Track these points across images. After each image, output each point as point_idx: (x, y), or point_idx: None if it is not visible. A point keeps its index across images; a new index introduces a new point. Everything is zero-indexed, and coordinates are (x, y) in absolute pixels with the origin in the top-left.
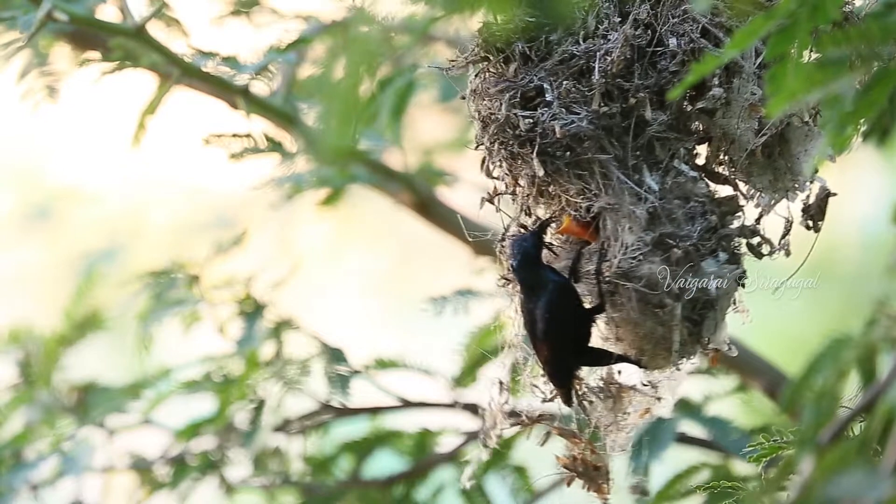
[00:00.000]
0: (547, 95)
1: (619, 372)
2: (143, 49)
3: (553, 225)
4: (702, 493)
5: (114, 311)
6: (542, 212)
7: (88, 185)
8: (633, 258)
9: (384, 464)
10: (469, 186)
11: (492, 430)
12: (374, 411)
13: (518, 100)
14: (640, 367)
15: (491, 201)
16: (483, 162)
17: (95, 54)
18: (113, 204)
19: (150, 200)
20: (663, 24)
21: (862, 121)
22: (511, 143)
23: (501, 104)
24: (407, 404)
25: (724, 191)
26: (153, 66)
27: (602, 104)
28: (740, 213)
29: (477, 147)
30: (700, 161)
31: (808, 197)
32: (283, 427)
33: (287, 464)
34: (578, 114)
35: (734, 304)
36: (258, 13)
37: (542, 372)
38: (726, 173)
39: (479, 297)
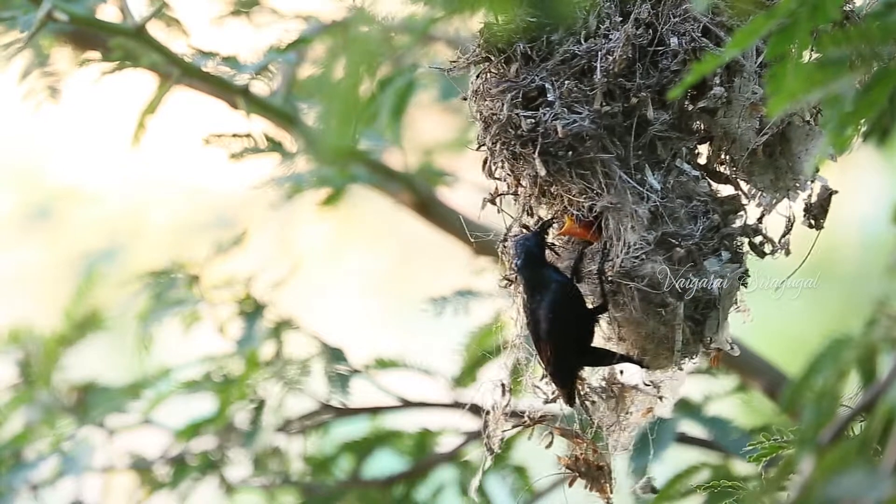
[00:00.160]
0: (549, 95)
1: (622, 372)
2: (143, 49)
3: (555, 226)
4: (702, 492)
5: (114, 311)
6: (544, 212)
7: (88, 185)
8: (636, 257)
9: (384, 464)
10: (469, 186)
11: (494, 434)
12: (374, 411)
13: (520, 100)
14: (643, 366)
15: (493, 202)
16: (485, 162)
17: (96, 54)
18: (113, 204)
19: (150, 200)
20: (664, 23)
21: (862, 121)
22: (513, 143)
23: (503, 104)
24: (407, 404)
25: (725, 190)
26: (153, 66)
27: (604, 103)
28: (742, 213)
29: (479, 148)
30: (702, 160)
31: (809, 196)
32: (284, 427)
33: (287, 464)
34: (580, 113)
35: (736, 303)
36: (258, 13)
37: (543, 372)
38: (728, 172)
39: (480, 298)
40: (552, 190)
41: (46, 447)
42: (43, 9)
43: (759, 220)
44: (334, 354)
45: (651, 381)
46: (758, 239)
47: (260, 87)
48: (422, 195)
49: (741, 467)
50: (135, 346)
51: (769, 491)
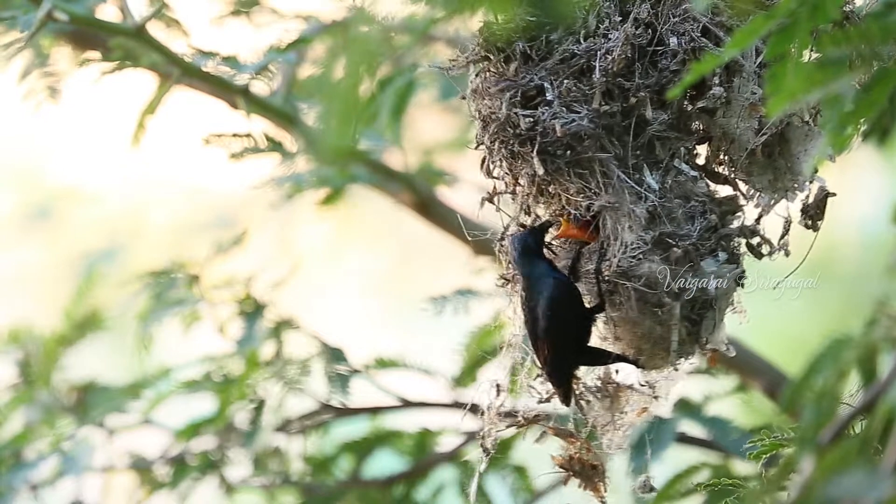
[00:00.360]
0: (547, 94)
1: (617, 371)
2: (143, 49)
3: (552, 228)
4: (703, 491)
5: (114, 311)
6: (542, 211)
7: (88, 185)
8: (633, 257)
9: (384, 464)
10: (469, 186)
11: (489, 434)
12: (374, 411)
13: (519, 99)
14: (639, 366)
15: (491, 201)
16: (483, 161)
17: (95, 54)
18: (113, 204)
19: (149, 200)
20: (664, 23)
21: (862, 121)
22: (511, 142)
23: (502, 103)
24: (407, 404)
25: (724, 191)
26: (153, 66)
27: (603, 103)
28: (740, 213)
29: (477, 146)
30: (700, 161)
31: (807, 197)
32: (284, 427)
33: (287, 464)
34: (579, 112)
35: (733, 304)
36: (258, 13)
37: (539, 372)
38: (726, 173)
39: (479, 297)
40: (550, 189)
41: (46, 447)
42: (43, 8)
43: (757, 220)
44: (334, 354)
45: (647, 382)
46: (755, 240)
47: (260, 88)
48: (422, 195)
49: (741, 467)
50: (135, 345)
51: (769, 490)
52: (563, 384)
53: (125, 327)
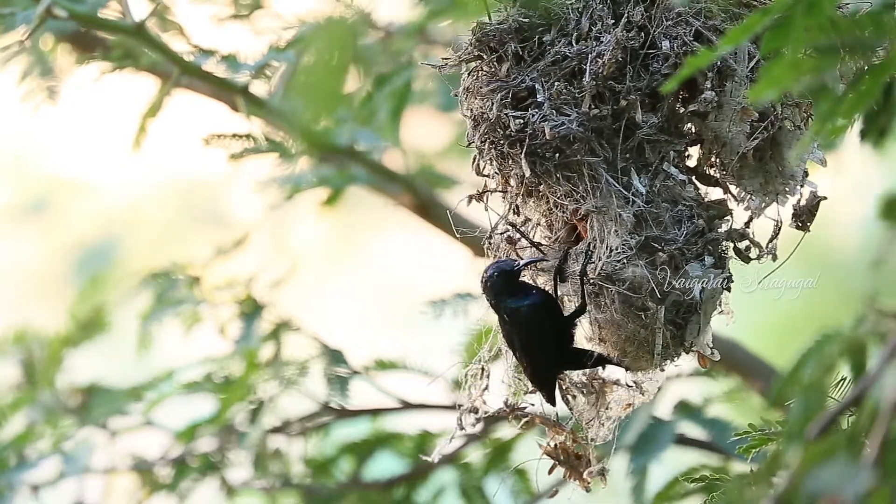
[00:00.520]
0: (538, 96)
1: (603, 367)
2: (142, 47)
3: (542, 226)
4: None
5: (115, 311)
6: (531, 211)
7: (84, 178)
8: (618, 261)
9: (384, 466)
10: (469, 188)
11: (471, 412)
12: (375, 413)
13: (509, 100)
14: (622, 367)
15: (479, 199)
16: (474, 160)
17: (96, 54)
18: (109, 196)
19: (146, 194)
20: (657, 26)
21: (856, 115)
22: (501, 142)
23: (493, 104)
24: (407, 406)
25: (713, 194)
26: (153, 65)
27: (592, 106)
28: (728, 217)
29: (468, 145)
30: (691, 163)
31: (798, 200)
32: (284, 429)
33: (288, 466)
34: (569, 115)
35: (720, 306)
36: (259, 17)
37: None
38: (717, 176)
39: (479, 300)
40: (539, 190)
41: (48, 447)
42: (42, 5)
43: (746, 224)
44: (334, 356)
45: (634, 382)
46: (744, 244)
47: (259, 88)
48: (422, 197)
49: (741, 468)
50: (136, 346)
51: (757, 483)
52: (546, 387)
53: (126, 328)
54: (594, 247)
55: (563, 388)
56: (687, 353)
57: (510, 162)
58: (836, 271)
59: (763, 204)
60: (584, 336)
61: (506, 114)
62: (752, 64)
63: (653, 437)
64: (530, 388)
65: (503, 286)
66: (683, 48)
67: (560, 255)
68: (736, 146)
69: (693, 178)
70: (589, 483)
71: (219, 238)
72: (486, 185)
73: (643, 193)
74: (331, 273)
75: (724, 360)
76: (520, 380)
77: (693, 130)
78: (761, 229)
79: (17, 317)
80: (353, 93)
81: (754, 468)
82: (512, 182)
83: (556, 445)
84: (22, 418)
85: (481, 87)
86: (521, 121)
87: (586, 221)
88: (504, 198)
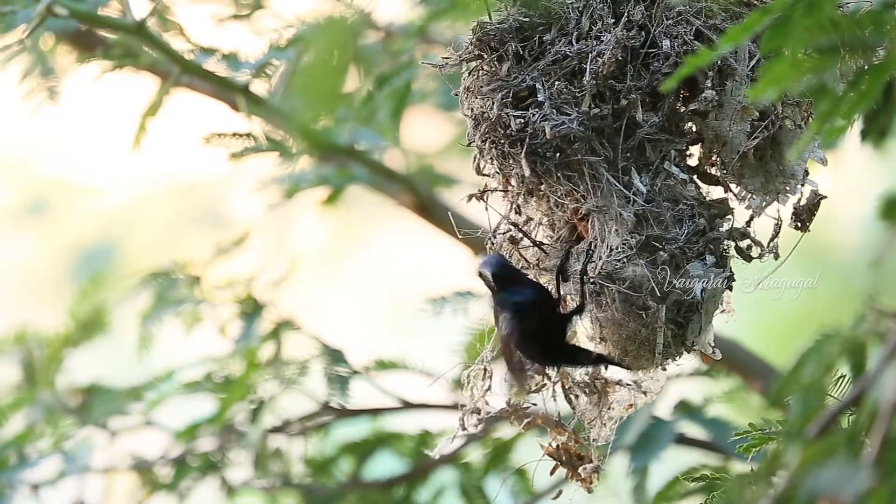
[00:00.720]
0: (539, 96)
1: (606, 367)
2: (143, 46)
3: (544, 224)
4: (690, 483)
5: (115, 311)
6: (532, 211)
7: (85, 178)
8: (618, 260)
9: (385, 465)
10: (469, 187)
11: (473, 413)
12: (375, 412)
13: (510, 99)
14: (623, 367)
15: (480, 198)
16: (475, 159)
17: (97, 53)
18: (109, 196)
19: (146, 193)
20: (657, 25)
21: (856, 115)
22: (502, 142)
23: (493, 103)
24: (407, 406)
25: (714, 193)
26: (153, 65)
27: (593, 106)
28: (730, 216)
29: (468, 145)
30: (692, 163)
31: (799, 200)
32: (284, 428)
33: (288, 465)
34: (569, 115)
35: (721, 305)
36: (259, 16)
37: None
38: (718, 175)
39: (479, 298)
40: (540, 190)
41: (48, 447)
42: (43, 3)
43: (748, 223)
44: (334, 355)
45: (633, 381)
46: (745, 243)
47: (260, 87)
48: (422, 197)
49: (741, 468)
50: (136, 346)
51: (756, 483)
52: (517, 372)
53: (126, 328)
54: (595, 246)
55: (566, 387)
56: (688, 352)
57: (511, 161)
58: (836, 271)
59: (764, 203)
60: (585, 335)
61: (506, 113)
62: (752, 63)
63: (653, 437)
64: (534, 387)
65: (500, 279)
66: (684, 47)
67: (562, 254)
68: (736, 145)
69: (694, 177)
70: (591, 484)
71: (219, 237)
72: (486, 185)
73: (644, 193)
74: (331, 272)
75: (724, 359)
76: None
77: (694, 129)
78: (763, 228)
79: (17, 317)
80: (353, 92)
81: (754, 468)
82: (513, 181)
83: (558, 446)
84: (22, 418)
85: (482, 87)
86: (522, 120)
87: (587, 221)
88: (505, 197)
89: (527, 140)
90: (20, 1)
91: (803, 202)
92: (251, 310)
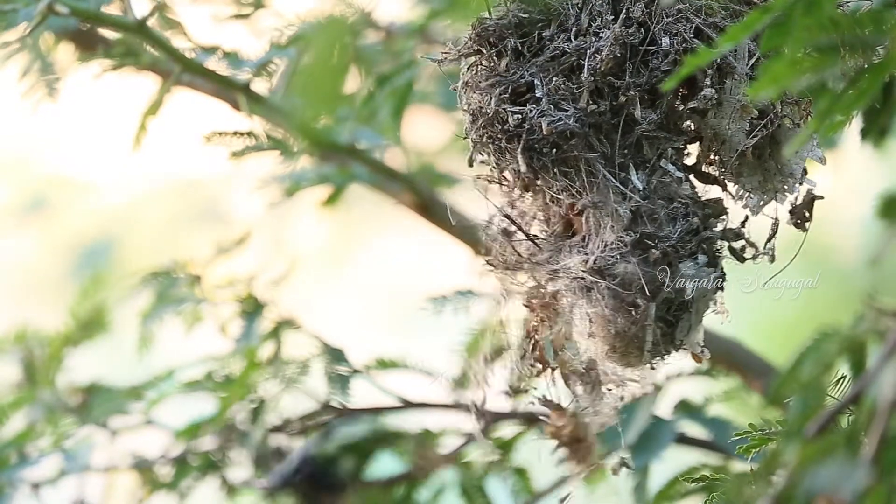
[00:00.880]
0: (537, 91)
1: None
2: (144, 44)
3: (539, 218)
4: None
5: (116, 310)
6: (527, 206)
7: (85, 176)
8: (611, 255)
9: (385, 465)
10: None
11: (480, 401)
12: (376, 412)
13: (508, 95)
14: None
15: (477, 189)
16: (470, 154)
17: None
18: (109, 194)
19: (146, 192)
20: (657, 22)
21: (854, 112)
22: (499, 137)
23: (491, 98)
24: (408, 405)
25: (710, 193)
26: (154, 63)
27: (590, 102)
28: (724, 217)
29: (465, 139)
30: (690, 161)
31: (796, 199)
32: (284, 427)
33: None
34: (566, 111)
35: (714, 305)
36: (260, 16)
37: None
38: (716, 174)
39: (480, 297)
40: (536, 185)
41: (48, 446)
42: (44, 0)
43: (742, 224)
44: (335, 355)
45: (625, 379)
46: (739, 243)
47: (261, 86)
48: (423, 196)
49: (742, 467)
50: (137, 345)
51: (755, 482)
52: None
53: (127, 327)
54: (588, 240)
55: (564, 374)
56: (677, 350)
57: (507, 157)
58: (836, 271)
59: (761, 202)
60: (575, 332)
61: (504, 108)
62: (751, 62)
63: (654, 436)
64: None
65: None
66: (683, 45)
67: (555, 248)
68: (735, 143)
69: (691, 176)
70: (590, 468)
71: (219, 236)
72: (483, 174)
73: (640, 190)
74: (331, 271)
75: (724, 359)
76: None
77: (692, 128)
78: (762, 228)
79: (17, 315)
80: (353, 92)
81: (753, 467)
82: (508, 176)
83: (557, 427)
84: (22, 417)
85: (480, 82)
86: (519, 116)
87: (582, 216)
88: (501, 191)
89: (524, 135)
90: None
91: (800, 201)
92: (252, 309)
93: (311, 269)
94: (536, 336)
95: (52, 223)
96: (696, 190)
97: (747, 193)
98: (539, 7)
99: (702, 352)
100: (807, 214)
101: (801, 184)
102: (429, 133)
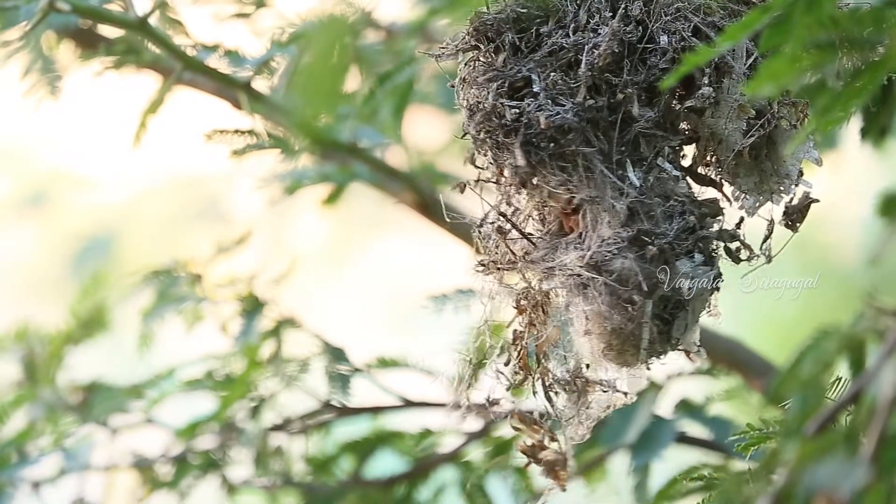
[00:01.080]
0: (534, 86)
1: (587, 366)
2: (145, 42)
3: (535, 216)
4: (688, 482)
5: (116, 309)
6: (523, 202)
7: (84, 172)
8: (608, 251)
9: (385, 464)
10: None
11: (461, 401)
12: (376, 411)
13: (505, 89)
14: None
15: (473, 187)
16: (468, 151)
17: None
18: (109, 191)
19: (147, 189)
20: (656, 20)
21: (852, 109)
22: (497, 132)
23: (489, 93)
24: (408, 404)
25: (706, 193)
26: (155, 61)
27: (588, 97)
28: (721, 217)
29: (463, 136)
30: (686, 161)
31: (791, 199)
32: (285, 426)
33: (288, 464)
34: (564, 106)
35: (709, 305)
36: (261, 15)
37: (508, 358)
38: (713, 174)
39: (480, 296)
40: (533, 182)
41: (49, 444)
42: None
43: (738, 225)
44: (335, 353)
45: (617, 383)
46: (734, 244)
47: (262, 84)
48: (424, 195)
49: (742, 467)
50: (137, 344)
51: (754, 481)
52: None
53: (128, 325)
54: (585, 236)
55: (546, 384)
56: (673, 349)
57: (505, 152)
58: (835, 271)
59: (757, 203)
60: (572, 329)
61: (501, 103)
62: (749, 61)
63: (654, 436)
64: (514, 382)
65: None
66: (682, 44)
67: (552, 245)
68: (732, 143)
69: (687, 177)
70: (565, 483)
71: (219, 234)
72: (479, 175)
73: (637, 186)
74: (332, 270)
75: (725, 358)
76: (503, 374)
77: (689, 127)
78: (759, 229)
79: (17, 313)
80: (354, 90)
81: (753, 466)
82: (506, 172)
83: (532, 444)
84: (23, 415)
85: (477, 77)
86: (517, 110)
87: (577, 215)
88: (497, 188)
89: (521, 130)
90: None
91: (794, 202)
92: (252, 307)
93: (312, 267)
94: (522, 342)
95: (53, 219)
96: (693, 189)
97: (743, 195)
98: (537, 3)
99: (698, 351)
100: (800, 216)
101: (796, 185)
102: (429, 132)
